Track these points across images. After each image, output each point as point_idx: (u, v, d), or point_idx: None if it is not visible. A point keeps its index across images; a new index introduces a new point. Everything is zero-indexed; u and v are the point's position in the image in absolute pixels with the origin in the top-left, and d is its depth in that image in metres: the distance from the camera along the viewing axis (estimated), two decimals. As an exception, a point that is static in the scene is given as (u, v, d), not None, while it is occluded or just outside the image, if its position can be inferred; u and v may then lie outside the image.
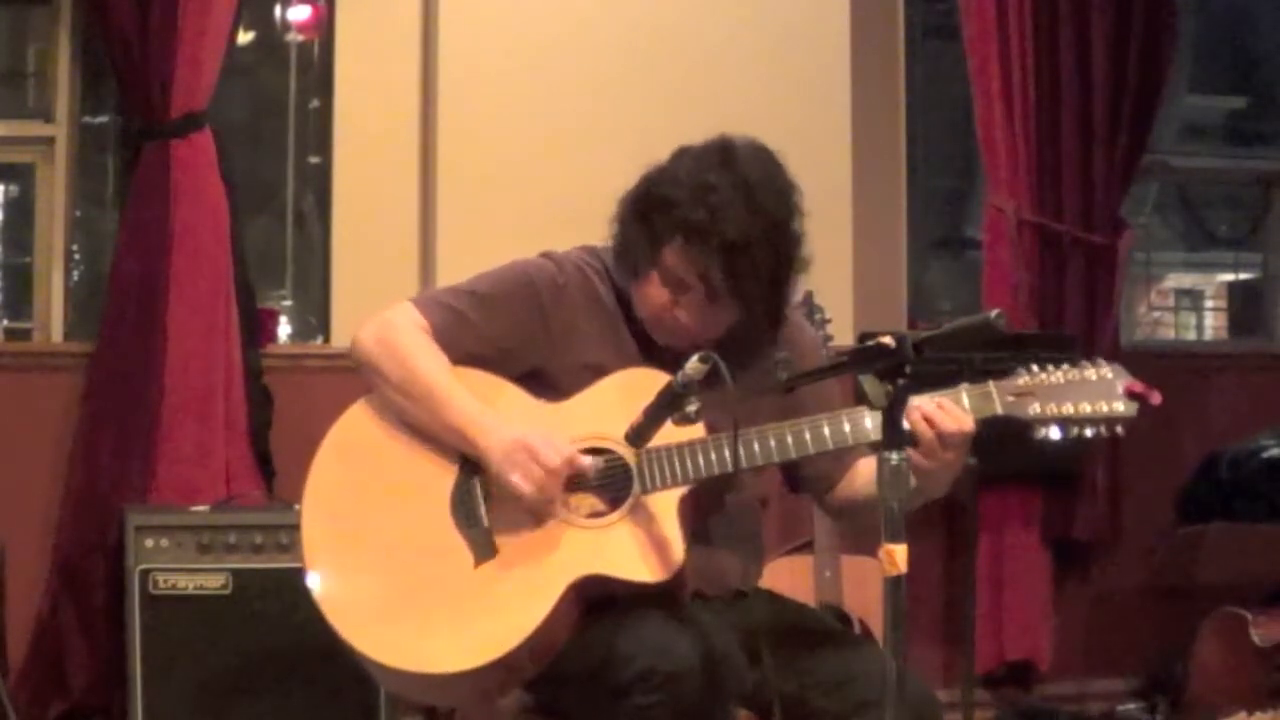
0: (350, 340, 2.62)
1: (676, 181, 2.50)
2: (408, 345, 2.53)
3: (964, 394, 2.43)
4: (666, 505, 2.44)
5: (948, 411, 2.39)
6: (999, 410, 2.42)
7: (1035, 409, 2.41)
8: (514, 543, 2.44)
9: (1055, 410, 2.40)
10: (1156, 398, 2.41)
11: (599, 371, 2.54)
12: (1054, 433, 2.41)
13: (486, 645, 2.36)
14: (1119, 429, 2.42)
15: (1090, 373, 2.43)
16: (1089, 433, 2.42)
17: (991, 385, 2.43)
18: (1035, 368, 2.44)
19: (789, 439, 2.45)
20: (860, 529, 2.68)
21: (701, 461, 2.44)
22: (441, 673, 2.38)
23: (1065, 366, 2.44)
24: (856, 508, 2.65)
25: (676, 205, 2.46)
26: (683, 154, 2.55)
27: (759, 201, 2.45)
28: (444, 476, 2.50)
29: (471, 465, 2.50)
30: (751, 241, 2.43)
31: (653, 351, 2.58)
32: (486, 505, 2.47)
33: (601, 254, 2.65)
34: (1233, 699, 3.92)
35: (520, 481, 2.41)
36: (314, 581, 2.46)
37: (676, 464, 2.44)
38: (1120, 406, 2.40)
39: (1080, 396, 2.41)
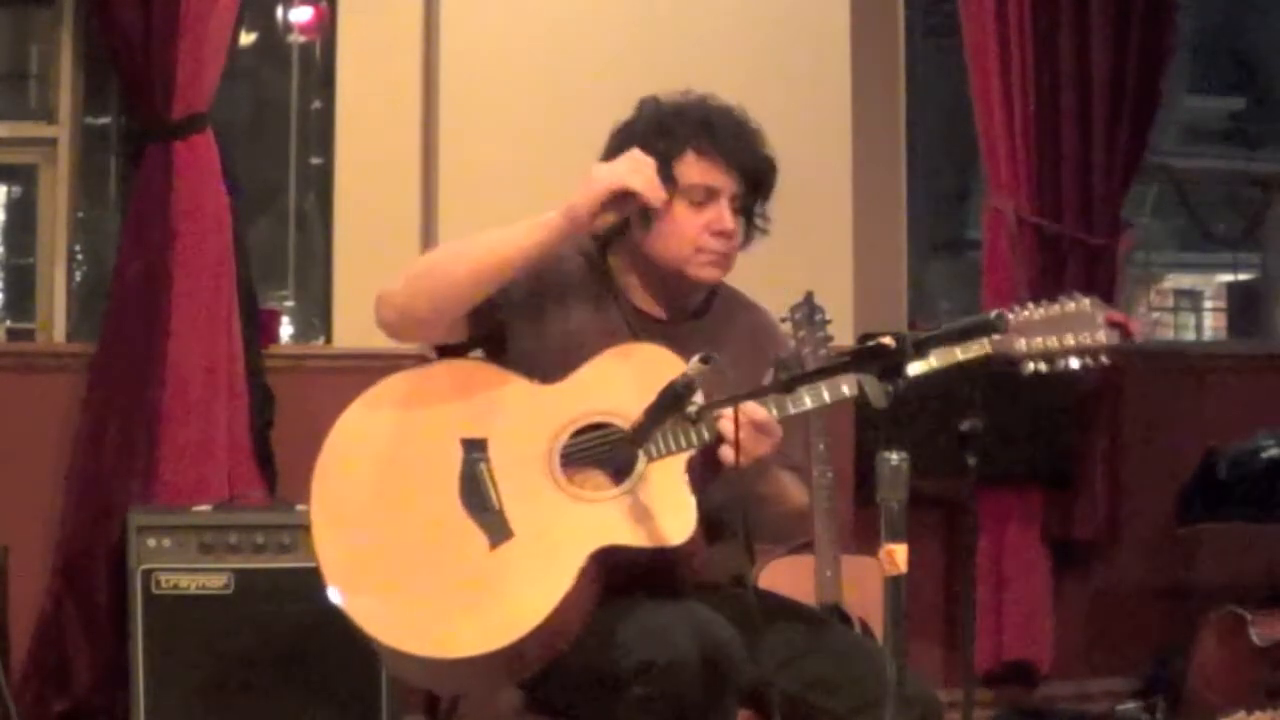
0: (376, 301, 2.59)
1: (655, 114, 2.64)
2: (433, 250, 2.65)
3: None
4: (674, 470, 2.47)
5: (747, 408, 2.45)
6: (988, 350, 2.46)
7: (1022, 345, 2.47)
8: (528, 522, 2.46)
9: (1041, 344, 2.47)
10: (1136, 325, 2.52)
11: (580, 340, 2.58)
12: (1041, 367, 2.48)
13: (510, 625, 2.36)
14: (1103, 358, 2.49)
15: (1070, 306, 2.50)
16: (1075, 364, 2.48)
17: None
18: (1016, 308, 2.50)
19: (788, 401, 2.48)
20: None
21: (705, 428, 2.46)
22: (466, 656, 2.37)
23: (1044, 302, 2.50)
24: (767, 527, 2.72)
25: (671, 128, 2.60)
26: (635, 110, 2.70)
27: (722, 101, 2.67)
28: (449, 463, 2.51)
29: (474, 447, 2.52)
30: (745, 121, 2.64)
31: (639, 330, 2.63)
32: (495, 488, 2.49)
33: (581, 241, 2.69)
34: (1232, 699, 3.93)
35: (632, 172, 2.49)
36: (332, 584, 2.45)
37: (680, 433, 2.47)
38: (1102, 335, 2.48)
39: (1064, 329, 2.48)
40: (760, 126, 2.66)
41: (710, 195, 2.59)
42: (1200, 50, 5.74)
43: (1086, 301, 2.50)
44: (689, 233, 2.59)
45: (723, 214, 2.59)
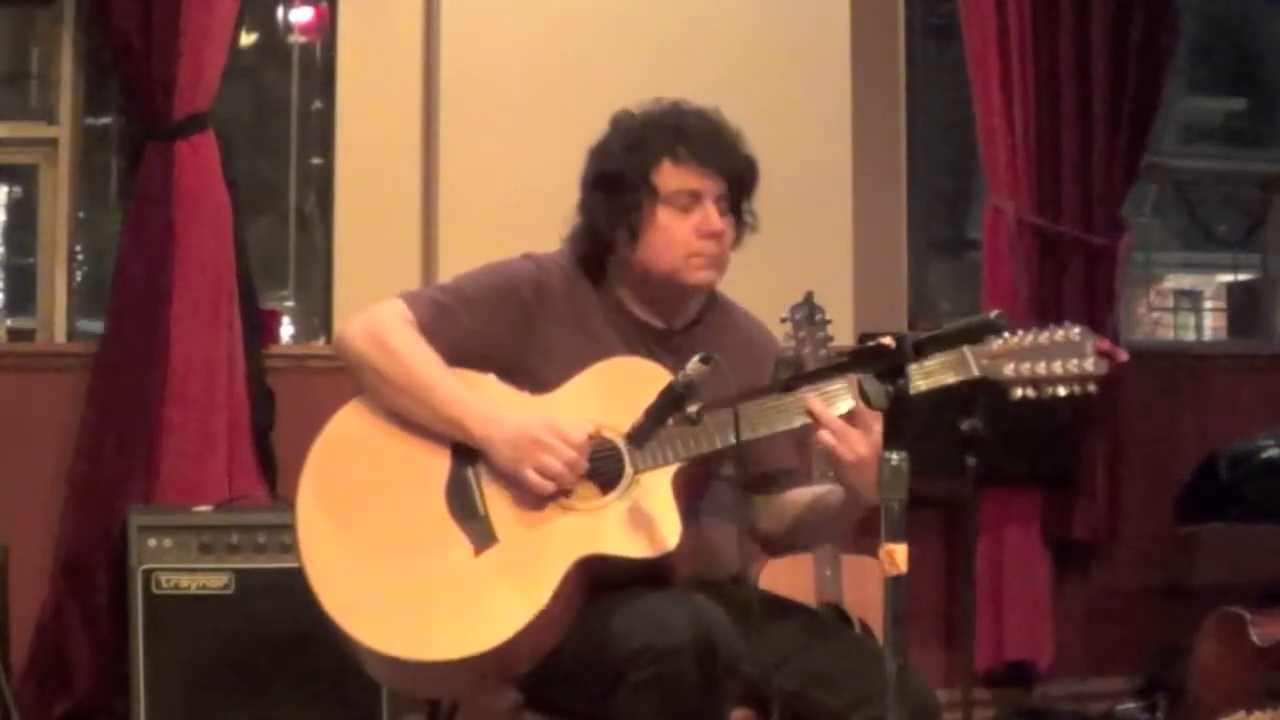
0: (336, 336, 2.64)
1: (625, 132, 2.65)
2: (397, 339, 2.56)
3: (940, 360, 2.47)
4: (661, 483, 2.48)
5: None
6: (975, 372, 2.46)
7: (1010, 370, 2.46)
8: (513, 530, 2.48)
9: (1030, 370, 2.46)
10: (1122, 355, 2.57)
11: (581, 366, 2.58)
12: (1029, 393, 2.48)
13: (492, 630, 2.37)
14: (1091, 387, 2.48)
15: (1059, 335, 2.49)
16: (1062, 391, 2.48)
17: (966, 350, 2.47)
18: (1006, 334, 2.47)
19: (777, 415, 2.48)
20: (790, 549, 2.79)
21: (693, 440, 2.48)
22: (447, 659, 2.39)
23: (1034, 330, 2.49)
24: (788, 535, 2.71)
25: (645, 140, 2.61)
26: (609, 127, 2.69)
27: (694, 105, 2.67)
28: (437, 470, 2.53)
29: (464, 456, 2.53)
30: (718, 121, 2.64)
31: (634, 344, 2.63)
32: (482, 495, 2.50)
33: (556, 266, 2.69)
34: (1232, 699, 3.92)
35: (533, 476, 2.45)
36: (314, 581, 2.49)
37: (668, 444, 2.48)
38: (1090, 365, 2.47)
39: (1053, 356, 2.47)
40: (737, 126, 2.66)
41: (694, 199, 2.59)
42: (1200, 50, 5.74)
43: (1076, 330, 2.49)
44: (679, 238, 2.59)
45: (709, 215, 2.59)
